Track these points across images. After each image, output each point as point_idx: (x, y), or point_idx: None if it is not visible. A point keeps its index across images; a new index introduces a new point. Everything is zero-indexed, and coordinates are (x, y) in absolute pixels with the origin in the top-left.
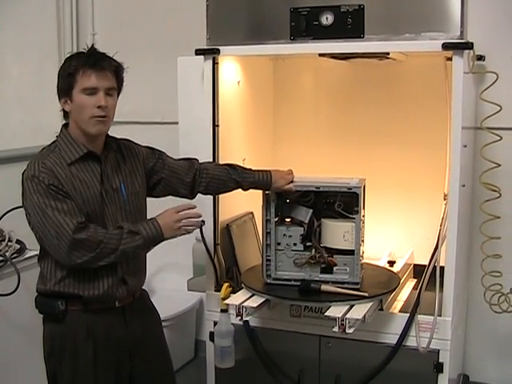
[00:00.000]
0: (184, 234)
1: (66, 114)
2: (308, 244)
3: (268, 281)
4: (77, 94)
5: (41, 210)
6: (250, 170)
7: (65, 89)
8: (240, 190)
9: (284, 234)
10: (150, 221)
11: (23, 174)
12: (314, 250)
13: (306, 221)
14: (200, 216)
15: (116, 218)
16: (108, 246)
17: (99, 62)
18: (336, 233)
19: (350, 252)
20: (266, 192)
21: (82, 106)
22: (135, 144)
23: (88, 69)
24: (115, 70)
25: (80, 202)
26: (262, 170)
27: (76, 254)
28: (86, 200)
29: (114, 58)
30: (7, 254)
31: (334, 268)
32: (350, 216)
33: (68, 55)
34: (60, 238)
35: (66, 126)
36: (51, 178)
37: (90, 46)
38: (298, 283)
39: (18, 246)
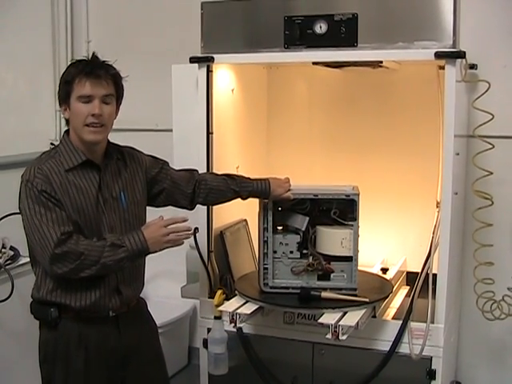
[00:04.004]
0: (172, 247)
1: (67, 121)
2: (304, 252)
3: (265, 289)
4: (73, 102)
5: (29, 216)
6: (249, 178)
7: (63, 96)
8: (238, 199)
9: (280, 243)
10: (136, 233)
11: (22, 176)
12: (311, 258)
13: (303, 228)
14: (189, 229)
15: (114, 227)
16: (89, 258)
17: (95, 71)
18: (334, 240)
19: (347, 258)
20: (264, 200)
21: (77, 114)
22: (139, 152)
23: (83, 77)
24: (112, 78)
25: (73, 209)
26: (260, 179)
27: (57, 265)
28: (81, 208)
29: (114, 65)
30: (1, 260)
31: (332, 275)
32: (346, 223)
33: (70, 62)
34: (43, 249)
35: (67, 132)
36: (44, 184)
37: (91, 54)
38: (296, 291)
39: (11, 253)
